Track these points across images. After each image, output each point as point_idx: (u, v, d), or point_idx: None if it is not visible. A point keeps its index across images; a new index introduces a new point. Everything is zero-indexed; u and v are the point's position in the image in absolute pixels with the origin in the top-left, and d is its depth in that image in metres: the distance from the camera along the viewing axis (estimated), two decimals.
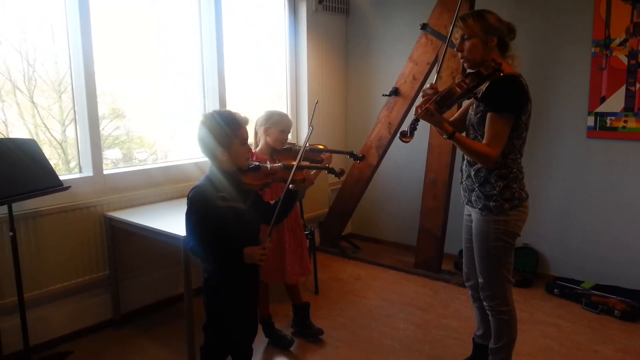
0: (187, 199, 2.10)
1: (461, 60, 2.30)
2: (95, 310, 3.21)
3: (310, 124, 2.36)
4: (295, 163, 2.22)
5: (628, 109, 3.53)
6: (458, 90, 2.13)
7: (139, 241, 3.29)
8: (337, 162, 3.22)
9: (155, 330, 3.26)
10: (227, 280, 2.16)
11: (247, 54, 4.26)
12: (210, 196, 2.05)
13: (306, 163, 2.69)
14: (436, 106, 2.13)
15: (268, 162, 2.24)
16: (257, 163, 2.21)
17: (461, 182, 2.44)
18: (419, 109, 2.16)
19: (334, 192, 4.80)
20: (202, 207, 2.05)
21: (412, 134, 2.20)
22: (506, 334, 2.40)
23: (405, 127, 2.23)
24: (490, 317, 2.44)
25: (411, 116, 2.23)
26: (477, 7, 3.61)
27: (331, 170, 2.39)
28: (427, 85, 2.28)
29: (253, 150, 2.91)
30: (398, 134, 2.22)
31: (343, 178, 2.88)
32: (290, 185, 2.20)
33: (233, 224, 2.07)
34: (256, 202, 2.21)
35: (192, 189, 2.10)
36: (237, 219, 2.08)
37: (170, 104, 3.78)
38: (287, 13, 4.50)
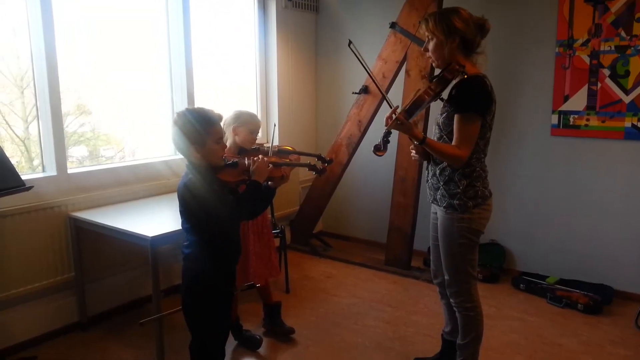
0: (179, 190, 2.07)
1: (429, 60, 2.35)
2: (60, 314, 3.13)
3: (272, 145, 2.41)
4: (277, 160, 2.24)
5: (590, 107, 3.62)
6: (426, 97, 2.19)
7: (105, 242, 3.22)
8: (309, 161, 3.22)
9: (123, 332, 3.20)
10: (217, 272, 2.16)
11: (216, 50, 4.21)
12: (201, 183, 2.03)
13: (287, 159, 2.70)
14: (406, 115, 2.18)
15: (246, 159, 2.22)
16: (236, 160, 2.19)
17: (427, 181, 2.47)
18: (389, 120, 2.19)
19: (305, 190, 4.80)
20: (198, 188, 2.03)
21: (385, 148, 2.24)
22: (472, 330, 2.44)
23: (377, 140, 2.25)
24: (457, 314, 2.47)
25: (382, 114, 2.25)
26: (445, 6, 3.65)
27: (312, 167, 2.35)
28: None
29: None
30: (372, 148, 2.25)
31: (324, 175, 2.88)
32: (270, 182, 2.20)
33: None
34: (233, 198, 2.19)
35: (182, 182, 2.07)
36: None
37: (138, 101, 3.71)
38: (256, 10, 4.46)
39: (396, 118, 2.16)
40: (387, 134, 2.22)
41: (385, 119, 2.23)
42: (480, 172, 2.31)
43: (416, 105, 2.20)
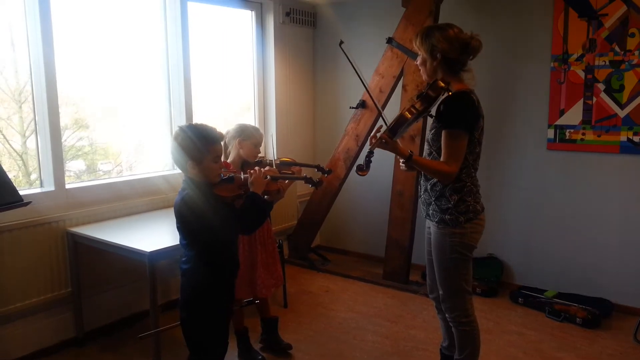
0: (176, 206, 2.08)
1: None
2: (56, 329, 3.11)
3: (273, 159, 2.48)
4: (274, 173, 2.26)
5: (586, 121, 3.65)
6: (409, 116, 2.22)
7: (103, 257, 3.21)
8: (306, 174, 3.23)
9: (120, 348, 3.18)
10: (215, 287, 2.15)
11: (214, 65, 4.24)
12: (198, 198, 2.05)
13: (288, 171, 2.71)
14: (389, 134, 2.21)
15: (242, 174, 2.23)
16: (232, 174, 2.19)
17: (419, 196, 2.48)
18: (372, 140, 2.22)
19: (303, 204, 4.80)
20: (195, 203, 2.04)
21: (368, 167, 2.27)
22: (468, 344, 2.43)
23: (361, 160, 2.27)
24: (452, 329, 2.47)
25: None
26: (440, 21, 3.68)
27: (308, 180, 2.36)
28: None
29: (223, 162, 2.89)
30: (355, 168, 2.27)
31: (321, 188, 2.89)
32: (266, 196, 2.20)
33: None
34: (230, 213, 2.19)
35: (179, 198, 2.08)
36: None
37: (135, 115, 3.73)
38: (254, 25, 4.50)
39: (380, 137, 2.18)
40: (370, 153, 2.25)
41: (369, 138, 2.25)
42: (471, 187, 2.32)
43: (399, 124, 2.22)
